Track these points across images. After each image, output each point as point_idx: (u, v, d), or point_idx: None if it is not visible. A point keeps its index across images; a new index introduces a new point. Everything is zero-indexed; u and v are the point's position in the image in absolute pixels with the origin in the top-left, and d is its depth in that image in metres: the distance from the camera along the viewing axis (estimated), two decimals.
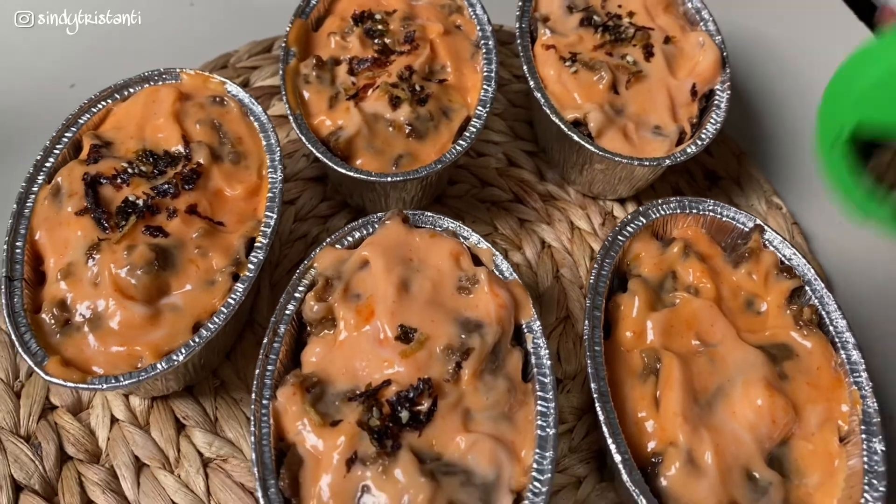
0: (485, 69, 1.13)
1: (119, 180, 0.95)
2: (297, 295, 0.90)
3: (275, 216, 0.96)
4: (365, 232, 0.96)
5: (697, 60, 1.16)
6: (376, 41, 1.14)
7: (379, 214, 0.96)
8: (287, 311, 0.89)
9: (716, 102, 1.14)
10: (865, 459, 0.84)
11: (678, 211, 1.01)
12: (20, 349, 0.84)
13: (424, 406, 0.81)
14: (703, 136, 1.10)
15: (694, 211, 1.02)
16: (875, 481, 0.83)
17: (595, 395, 0.85)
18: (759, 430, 0.85)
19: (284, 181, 0.99)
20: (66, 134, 1.01)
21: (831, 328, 0.93)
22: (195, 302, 0.90)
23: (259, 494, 0.77)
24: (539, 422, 0.83)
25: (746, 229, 1.00)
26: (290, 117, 1.05)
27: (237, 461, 0.96)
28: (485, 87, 1.11)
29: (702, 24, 1.22)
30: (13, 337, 0.85)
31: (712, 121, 1.11)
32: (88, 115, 1.03)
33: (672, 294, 0.95)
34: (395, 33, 1.15)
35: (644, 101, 1.12)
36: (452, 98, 1.12)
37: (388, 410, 0.80)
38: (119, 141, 1.01)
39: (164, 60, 1.11)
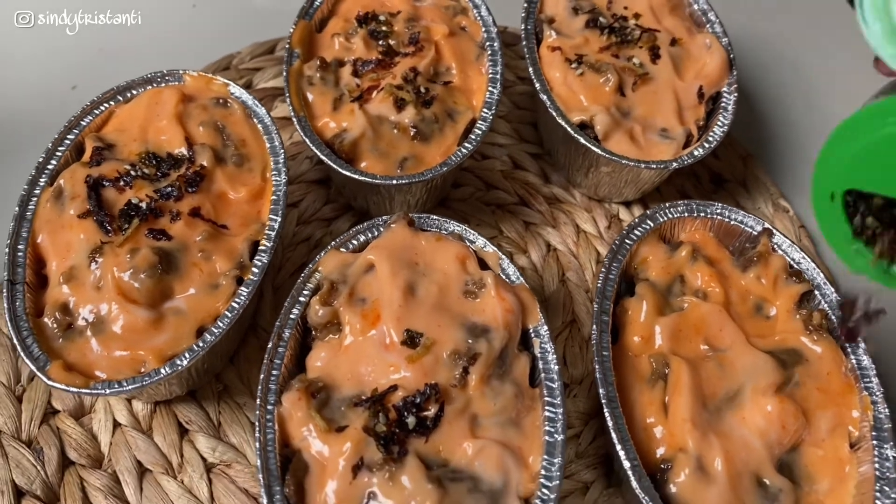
0: (490, 71, 1.12)
1: (122, 183, 0.94)
2: (301, 299, 0.89)
3: (279, 219, 0.95)
4: (370, 235, 0.95)
5: (704, 62, 1.15)
6: (380, 43, 1.13)
7: (384, 217, 0.95)
8: (292, 316, 0.88)
9: (723, 105, 1.13)
10: (877, 466, 0.83)
11: (686, 214, 1.00)
12: (22, 353, 0.83)
13: (431, 412, 0.80)
14: (711, 138, 1.09)
15: (702, 214, 1.01)
16: (887, 488, 0.82)
17: (603, 401, 0.84)
18: (769, 436, 0.84)
19: (287, 184, 0.98)
20: (69, 136, 1.00)
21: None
22: (199, 306, 0.89)
23: (264, 501, 0.76)
24: (547, 427, 0.82)
25: (755, 233, 0.99)
26: (294, 119, 1.04)
27: (241, 466, 0.95)
28: (490, 89, 1.10)
29: (708, 25, 1.21)
30: (15, 341, 0.84)
31: (719, 123, 1.11)
32: (91, 117, 1.02)
33: (680, 298, 0.94)
34: (399, 35, 1.15)
35: (651, 103, 1.11)
36: (457, 100, 1.11)
37: (395, 416, 0.79)
38: (122, 143, 1.00)
39: (166, 62, 1.11)
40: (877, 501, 0.81)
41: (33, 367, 0.83)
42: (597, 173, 1.13)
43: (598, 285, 0.93)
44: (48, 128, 1.01)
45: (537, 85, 1.11)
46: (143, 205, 0.92)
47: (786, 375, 0.88)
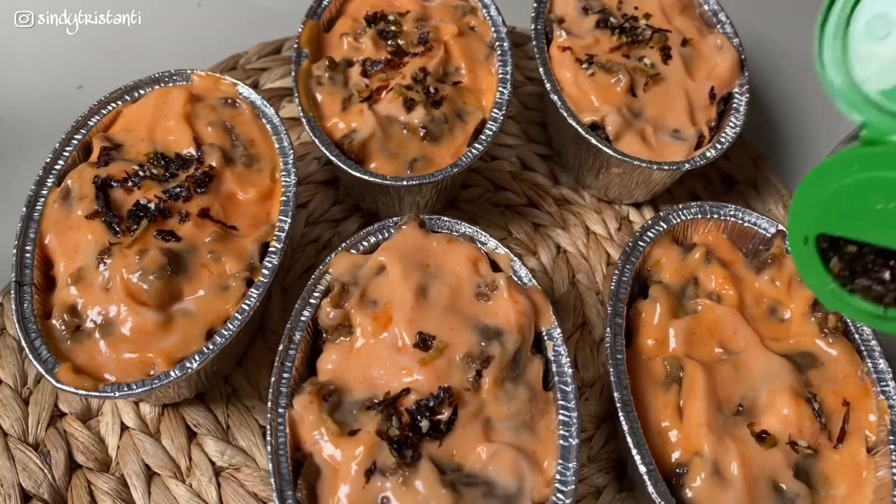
0: (500, 71, 1.11)
1: (130, 183, 0.93)
2: (312, 301, 0.88)
3: (289, 220, 0.94)
4: (380, 237, 0.94)
5: (715, 63, 1.14)
6: (389, 42, 1.12)
7: (395, 219, 0.95)
8: (302, 318, 0.87)
9: (734, 106, 1.12)
10: (894, 470, 0.82)
11: (699, 216, 1.00)
12: (30, 356, 0.82)
13: (445, 415, 0.79)
14: (723, 139, 1.08)
15: (715, 216, 1.00)
16: None
17: (618, 405, 0.83)
18: (786, 440, 0.83)
19: (297, 184, 0.97)
20: (76, 136, 0.99)
21: (857, 336, 0.91)
22: (208, 308, 0.88)
23: None
24: (561, 431, 0.81)
25: (768, 235, 0.98)
26: (304, 120, 1.03)
27: (250, 470, 0.94)
28: (500, 89, 1.09)
29: (719, 26, 1.20)
30: (23, 343, 0.83)
31: (731, 124, 1.10)
32: (98, 117, 1.01)
33: (694, 301, 0.93)
34: (408, 34, 1.14)
35: (662, 104, 1.10)
36: (467, 100, 1.10)
37: (408, 420, 0.78)
38: (129, 143, 0.99)
39: (172, 62, 1.10)
40: None
41: (42, 370, 0.82)
42: (607, 174, 1.12)
43: (612, 288, 0.92)
44: (54, 128, 1.01)
45: (548, 85, 1.10)
46: (152, 205, 0.91)
47: (801, 379, 0.87)
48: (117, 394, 0.81)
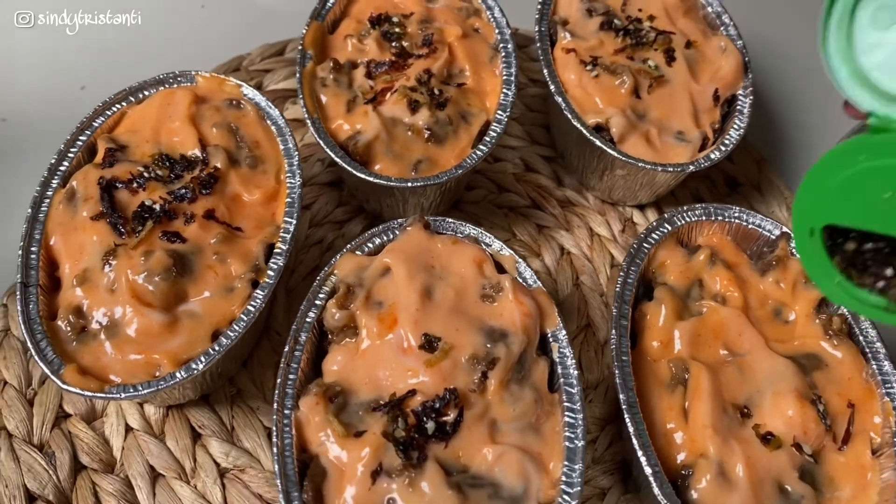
0: (504, 73, 1.11)
1: (135, 184, 0.93)
2: (317, 302, 0.88)
3: (294, 221, 0.94)
4: (385, 238, 0.94)
5: (719, 65, 1.14)
6: (394, 44, 1.12)
7: (399, 220, 0.95)
8: (308, 319, 0.87)
9: (738, 108, 1.12)
10: None
11: (703, 218, 1.00)
12: (36, 357, 0.82)
13: (450, 417, 0.79)
14: (727, 141, 1.08)
15: (719, 218, 1.00)
16: None
17: (623, 406, 0.83)
18: (791, 441, 0.83)
19: (302, 186, 0.97)
20: (81, 137, 0.99)
21: (861, 338, 0.91)
22: (214, 309, 0.88)
23: None
24: (567, 433, 0.81)
25: (773, 237, 0.98)
26: (308, 121, 1.03)
27: (255, 471, 0.94)
28: (504, 90, 1.09)
29: (722, 28, 1.20)
30: (29, 344, 0.83)
31: (735, 126, 1.10)
32: (103, 118, 1.01)
33: (699, 303, 0.94)
34: (412, 36, 1.14)
35: (666, 105, 1.10)
36: (471, 102, 1.10)
37: (414, 421, 0.78)
38: (134, 144, 0.99)
39: (176, 63, 1.09)
40: None
41: (47, 371, 0.82)
42: (612, 176, 1.12)
43: (617, 289, 0.92)
44: (58, 129, 1.00)
45: (552, 87, 1.10)
46: (157, 207, 0.91)
47: (806, 380, 0.87)
48: (123, 395, 0.81)
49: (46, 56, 1.34)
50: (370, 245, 0.94)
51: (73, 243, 0.90)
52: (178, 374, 0.83)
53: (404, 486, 0.75)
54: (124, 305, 0.85)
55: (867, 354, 0.90)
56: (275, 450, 0.78)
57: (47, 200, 0.93)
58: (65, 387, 0.81)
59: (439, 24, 1.16)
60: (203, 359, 0.84)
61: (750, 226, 1.00)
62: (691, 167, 1.06)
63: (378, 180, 1.00)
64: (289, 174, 0.99)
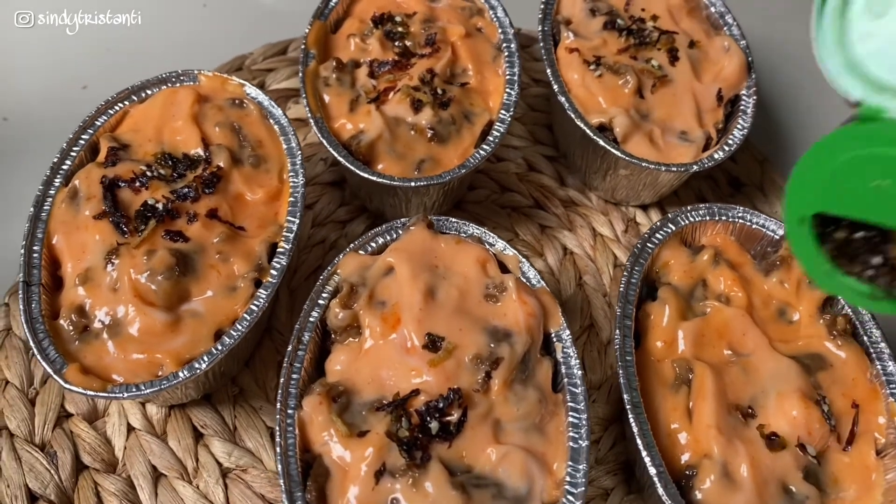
0: (507, 72, 1.11)
1: (138, 184, 0.93)
2: (320, 302, 0.88)
3: (297, 221, 0.94)
4: (388, 238, 0.94)
5: (723, 65, 1.14)
6: (397, 43, 1.12)
7: (402, 220, 0.94)
8: (311, 319, 0.87)
9: (741, 108, 1.12)
10: None
11: (707, 218, 0.99)
12: (38, 356, 0.82)
13: (454, 416, 0.79)
14: (731, 141, 1.08)
15: (723, 218, 1.00)
16: None
17: (627, 407, 0.83)
18: (795, 442, 0.83)
19: (305, 185, 0.97)
20: (83, 136, 0.99)
21: (865, 338, 0.91)
22: (217, 308, 0.88)
23: None
24: (571, 433, 0.81)
25: (777, 237, 0.98)
26: (311, 120, 1.03)
27: (257, 471, 0.94)
28: (507, 90, 1.09)
29: (726, 28, 1.20)
30: (31, 343, 0.83)
31: (739, 126, 1.10)
32: (105, 117, 1.01)
33: (703, 303, 0.93)
34: (415, 35, 1.13)
35: (670, 105, 1.10)
36: (474, 102, 1.10)
37: (418, 421, 0.78)
38: (137, 143, 0.99)
39: (178, 62, 1.09)
40: None
41: (50, 370, 0.81)
42: (615, 176, 1.12)
43: (621, 289, 0.92)
44: (60, 128, 1.00)
45: (555, 87, 1.10)
46: (160, 206, 0.91)
47: (810, 381, 0.87)
48: (125, 394, 0.81)
49: (47, 56, 1.34)
50: (373, 244, 0.94)
51: (75, 242, 0.90)
52: (180, 374, 0.82)
53: (408, 486, 0.75)
54: (127, 305, 0.85)
55: (871, 355, 0.90)
56: (278, 449, 0.78)
57: (50, 199, 0.93)
58: (67, 386, 0.81)
59: (442, 24, 1.16)
60: (206, 358, 0.83)
61: (754, 226, 1.00)
62: (695, 167, 1.06)
63: (381, 180, 1.00)
64: (291, 173, 0.98)
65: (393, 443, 0.76)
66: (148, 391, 0.81)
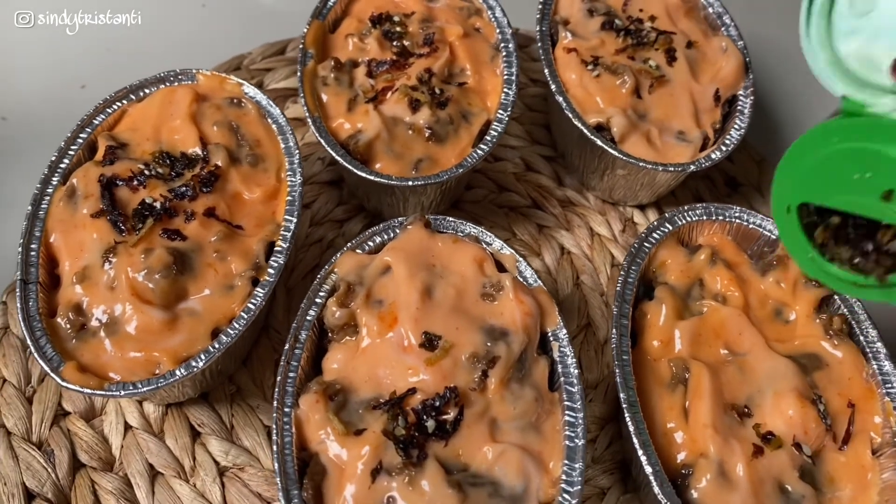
0: (505, 72, 1.11)
1: (135, 182, 0.93)
2: (317, 300, 0.88)
3: (294, 220, 0.94)
4: (386, 237, 0.94)
5: (720, 65, 1.14)
6: (395, 43, 1.12)
7: (399, 219, 0.95)
8: (308, 317, 0.87)
9: (739, 108, 1.12)
10: None
11: (704, 217, 1.00)
12: (36, 354, 0.82)
13: (451, 415, 0.79)
14: (728, 141, 1.08)
15: (720, 217, 1.00)
16: None
17: (624, 406, 0.83)
18: (791, 441, 0.83)
19: (302, 184, 0.97)
20: (81, 135, 0.99)
21: (862, 338, 0.91)
22: (214, 307, 0.88)
23: None
24: (567, 432, 0.81)
25: (773, 237, 0.98)
26: (309, 120, 1.04)
27: (254, 470, 0.94)
28: (505, 90, 1.09)
29: (723, 28, 1.20)
30: (28, 341, 0.83)
31: (736, 127, 1.10)
32: (103, 116, 1.01)
33: (699, 302, 0.94)
34: (413, 35, 1.14)
35: (667, 105, 1.10)
36: (472, 101, 1.10)
37: (414, 419, 0.78)
38: (135, 142, 0.99)
39: (176, 62, 1.09)
40: None
41: (47, 368, 0.81)
42: (612, 176, 1.12)
43: (617, 289, 0.92)
44: (58, 127, 1.00)
45: (553, 86, 1.10)
46: (158, 204, 0.91)
47: (807, 380, 0.87)
48: (123, 392, 0.81)
49: (46, 56, 1.34)
50: (370, 243, 0.94)
51: (73, 241, 0.90)
52: (177, 372, 0.83)
53: (404, 485, 0.75)
54: (124, 303, 0.85)
55: (867, 354, 0.90)
56: (274, 448, 0.78)
57: (48, 198, 0.93)
58: (64, 384, 0.81)
59: (440, 24, 1.16)
60: (203, 357, 0.84)
61: (751, 226, 1.00)
62: (692, 167, 1.06)
63: (379, 179, 1.00)
64: (289, 172, 0.98)
65: (389, 441, 0.77)
66: (145, 389, 0.81)
